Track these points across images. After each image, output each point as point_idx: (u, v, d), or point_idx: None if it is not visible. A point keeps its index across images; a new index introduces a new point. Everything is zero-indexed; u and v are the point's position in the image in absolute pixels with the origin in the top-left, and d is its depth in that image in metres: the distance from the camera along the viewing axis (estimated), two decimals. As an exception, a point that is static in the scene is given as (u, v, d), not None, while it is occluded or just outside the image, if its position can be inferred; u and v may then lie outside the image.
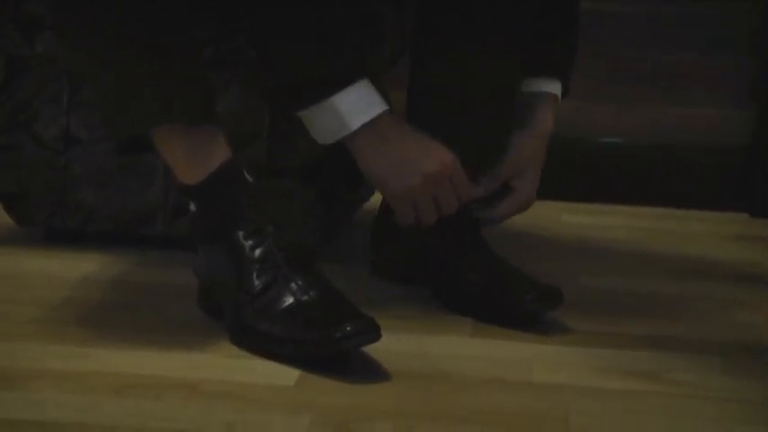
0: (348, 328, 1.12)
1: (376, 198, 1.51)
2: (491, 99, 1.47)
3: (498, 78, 1.46)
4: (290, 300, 1.18)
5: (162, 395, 1.07)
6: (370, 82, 1.31)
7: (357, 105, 1.28)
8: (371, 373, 1.15)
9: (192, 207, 1.27)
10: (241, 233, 1.23)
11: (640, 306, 1.43)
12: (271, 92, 1.39)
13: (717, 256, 1.73)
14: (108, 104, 1.29)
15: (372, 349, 1.16)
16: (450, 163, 1.34)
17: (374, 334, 1.13)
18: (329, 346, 1.14)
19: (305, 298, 1.18)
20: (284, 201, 1.54)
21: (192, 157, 1.26)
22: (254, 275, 1.21)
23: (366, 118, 1.28)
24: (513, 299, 1.34)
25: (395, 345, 1.20)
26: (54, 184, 1.61)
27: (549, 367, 1.20)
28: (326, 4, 1.29)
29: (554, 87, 1.51)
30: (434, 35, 1.49)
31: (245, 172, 1.28)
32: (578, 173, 2.07)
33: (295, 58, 1.29)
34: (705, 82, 2.05)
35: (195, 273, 1.30)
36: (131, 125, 1.25)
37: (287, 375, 1.12)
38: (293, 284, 1.19)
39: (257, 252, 1.22)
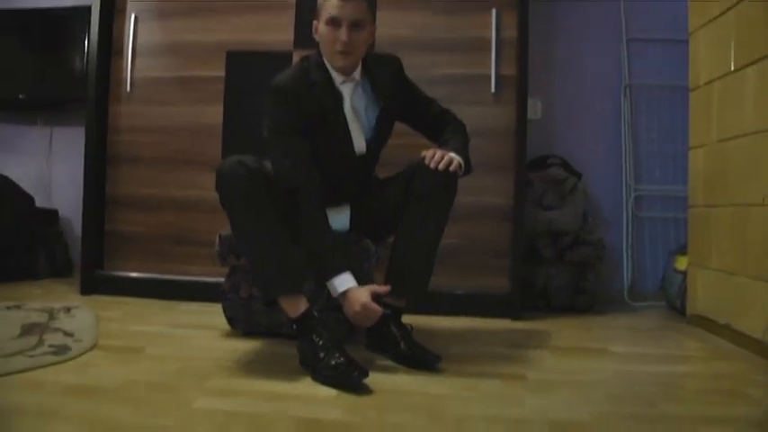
0: (355, 373, 2.42)
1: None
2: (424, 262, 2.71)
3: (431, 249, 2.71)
4: (332, 361, 2.47)
5: (272, 401, 2.17)
6: (351, 272, 2.52)
7: (341, 285, 2.53)
8: (367, 391, 2.30)
9: (293, 326, 2.59)
10: (315, 336, 2.53)
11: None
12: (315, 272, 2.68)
13: None
14: (256, 280, 2.56)
15: (369, 381, 2.33)
16: (360, 309, 2.48)
17: (366, 374, 2.39)
18: (348, 378, 2.38)
19: (337, 360, 2.47)
20: (333, 321, 2.86)
21: (292, 306, 2.56)
22: (319, 351, 2.50)
23: (343, 288, 2.53)
24: (422, 359, 2.62)
25: (378, 379, 2.37)
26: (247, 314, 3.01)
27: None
28: (341, 246, 2.61)
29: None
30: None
31: (314, 311, 2.56)
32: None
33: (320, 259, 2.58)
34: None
35: (297, 349, 2.59)
36: (266, 293, 2.56)
37: (329, 391, 2.29)
38: (333, 354, 2.48)
39: (320, 342, 2.52)
